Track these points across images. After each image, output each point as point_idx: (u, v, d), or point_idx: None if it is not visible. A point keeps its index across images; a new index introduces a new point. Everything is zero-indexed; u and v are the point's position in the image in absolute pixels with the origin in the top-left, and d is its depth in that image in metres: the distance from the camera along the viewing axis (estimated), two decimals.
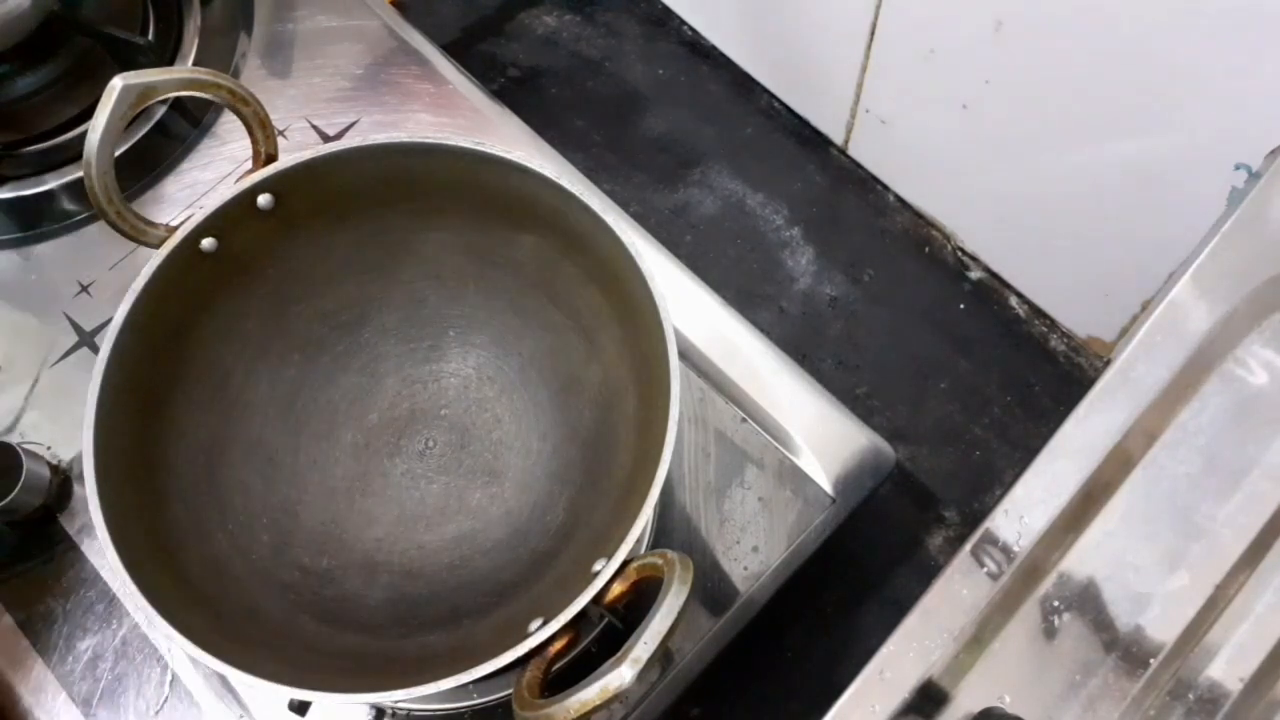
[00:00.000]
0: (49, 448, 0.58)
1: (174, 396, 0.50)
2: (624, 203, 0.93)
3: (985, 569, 0.42)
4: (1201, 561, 0.43)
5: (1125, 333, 0.84)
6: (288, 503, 0.53)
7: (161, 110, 0.67)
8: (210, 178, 0.66)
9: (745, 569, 0.57)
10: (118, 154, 0.63)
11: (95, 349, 0.61)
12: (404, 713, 0.55)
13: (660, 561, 0.39)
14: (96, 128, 0.45)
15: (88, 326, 0.62)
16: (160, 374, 0.49)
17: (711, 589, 0.56)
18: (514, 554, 0.53)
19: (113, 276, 0.63)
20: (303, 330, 0.55)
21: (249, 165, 0.51)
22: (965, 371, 0.88)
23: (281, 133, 0.66)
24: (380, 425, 0.57)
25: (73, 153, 0.65)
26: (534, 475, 0.55)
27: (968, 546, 0.42)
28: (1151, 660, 0.42)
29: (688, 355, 0.61)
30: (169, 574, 0.44)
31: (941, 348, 0.89)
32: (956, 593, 0.42)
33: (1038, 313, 0.90)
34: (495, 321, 0.56)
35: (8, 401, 0.60)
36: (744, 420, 0.60)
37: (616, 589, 0.41)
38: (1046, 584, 0.43)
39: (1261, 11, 0.55)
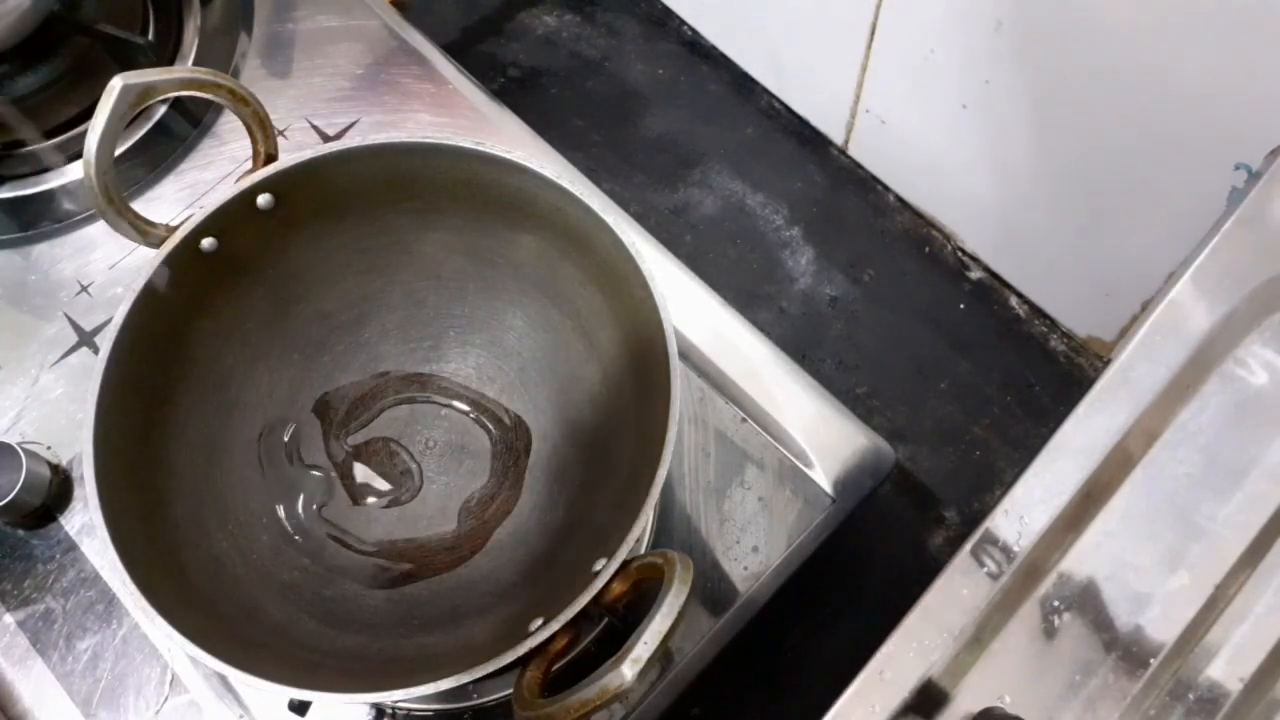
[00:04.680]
0: (49, 448, 0.58)
1: (174, 396, 0.50)
2: (624, 203, 0.93)
3: (985, 569, 0.42)
4: (1201, 561, 0.43)
5: (1125, 333, 0.84)
6: (287, 503, 0.53)
7: (161, 110, 0.67)
8: (210, 178, 0.66)
9: (745, 569, 0.57)
10: (118, 154, 0.63)
11: (95, 349, 0.61)
12: (404, 713, 0.55)
13: (660, 561, 0.39)
14: (96, 128, 0.45)
15: (88, 326, 0.62)
16: (160, 374, 0.49)
17: (711, 589, 0.56)
18: (514, 554, 0.53)
19: (113, 276, 0.63)
20: (303, 330, 0.55)
21: (249, 165, 0.51)
22: (965, 371, 0.88)
23: (281, 133, 0.66)
24: (380, 425, 0.57)
25: (73, 153, 0.65)
26: (534, 475, 0.55)
27: (968, 546, 0.42)
28: (1151, 660, 0.42)
29: (688, 355, 0.61)
30: (169, 574, 0.44)
31: (941, 348, 0.89)
32: (956, 593, 0.42)
33: (1038, 313, 0.90)
34: (495, 321, 0.56)
35: (8, 401, 0.60)
36: (744, 420, 0.60)
37: (616, 589, 0.41)
38: (1046, 584, 0.43)
39: (1262, 12, 0.55)
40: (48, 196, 0.65)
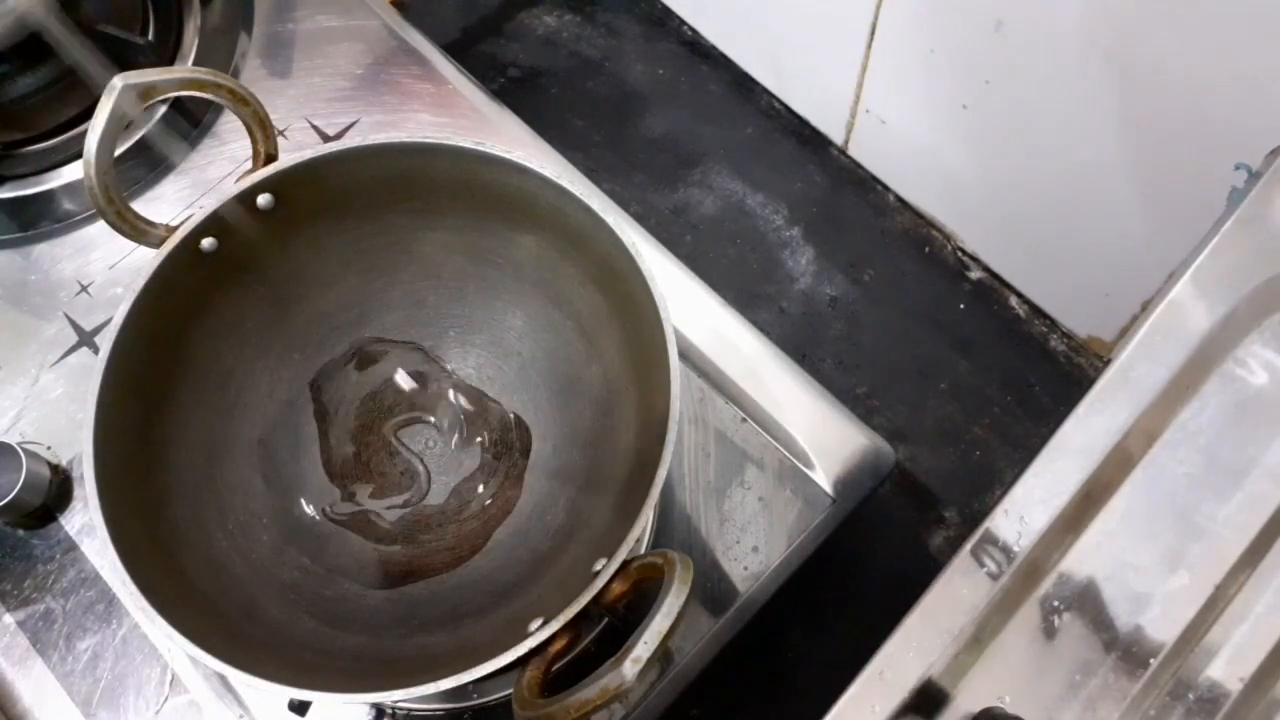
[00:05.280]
0: (49, 448, 0.58)
1: (174, 396, 0.50)
2: (624, 203, 0.93)
3: (985, 569, 0.42)
4: (1201, 561, 0.43)
5: (1125, 333, 0.84)
6: (288, 502, 0.53)
7: (161, 110, 0.67)
8: (210, 178, 0.66)
9: (745, 569, 0.57)
10: (118, 154, 0.63)
11: (95, 349, 0.61)
12: (404, 713, 0.55)
13: (660, 561, 0.39)
14: (96, 128, 0.45)
15: (88, 326, 0.62)
16: (160, 374, 0.49)
17: (711, 589, 0.56)
18: (514, 554, 0.53)
19: (113, 276, 0.63)
20: (303, 330, 0.55)
21: (249, 165, 0.51)
22: (965, 371, 0.88)
23: (281, 133, 0.66)
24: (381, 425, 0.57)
25: (73, 153, 0.65)
26: (534, 475, 0.55)
27: (968, 546, 0.42)
28: (1151, 660, 0.42)
29: (688, 355, 0.61)
30: (169, 574, 0.44)
31: (941, 348, 0.89)
32: (956, 593, 0.42)
33: (1038, 313, 0.90)
34: (495, 321, 0.56)
35: (8, 401, 0.60)
36: (744, 420, 0.60)
37: (616, 589, 0.41)
38: (1046, 584, 0.43)
39: (1261, 11, 0.55)
40: (48, 196, 0.65)
